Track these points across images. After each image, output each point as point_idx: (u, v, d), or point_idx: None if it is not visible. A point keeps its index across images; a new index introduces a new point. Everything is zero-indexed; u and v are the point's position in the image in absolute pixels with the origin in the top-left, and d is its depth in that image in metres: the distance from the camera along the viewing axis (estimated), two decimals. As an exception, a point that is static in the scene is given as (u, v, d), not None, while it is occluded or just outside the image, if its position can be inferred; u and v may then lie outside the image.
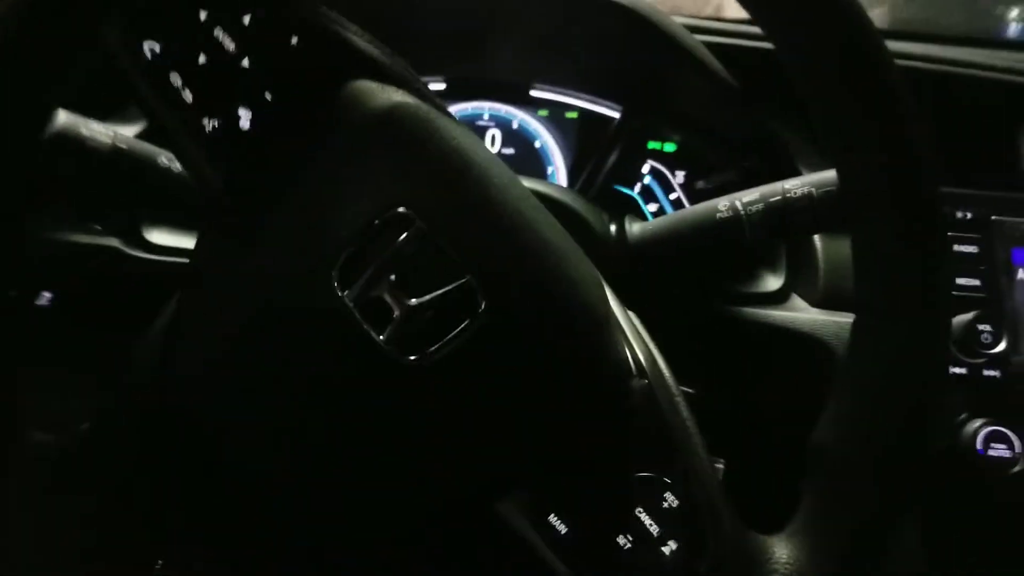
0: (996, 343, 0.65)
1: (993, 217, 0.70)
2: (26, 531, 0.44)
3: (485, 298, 0.41)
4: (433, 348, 0.41)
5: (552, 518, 0.43)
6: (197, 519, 0.50)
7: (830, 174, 0.54)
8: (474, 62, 0.87)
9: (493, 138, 0.91)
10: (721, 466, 0.58)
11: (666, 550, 0.43)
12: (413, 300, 0.41)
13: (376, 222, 0.41)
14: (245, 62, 0.44)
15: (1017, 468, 0.63)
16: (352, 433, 0.42)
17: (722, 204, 0.58)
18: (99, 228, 0.66)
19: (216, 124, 0.44)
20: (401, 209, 0.42)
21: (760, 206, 0.56)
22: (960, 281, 0.65)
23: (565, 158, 0.91)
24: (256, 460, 0.43)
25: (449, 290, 0.41)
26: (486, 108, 0.91)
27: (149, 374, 0.47)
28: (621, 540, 0.43)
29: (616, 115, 0.88)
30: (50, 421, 0.47)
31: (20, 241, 0.58)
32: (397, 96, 0.45)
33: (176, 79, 0.43)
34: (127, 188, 0.57)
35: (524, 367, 0.42)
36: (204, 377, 0.43)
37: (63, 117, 0.53)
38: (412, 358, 0.40)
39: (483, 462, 0.43)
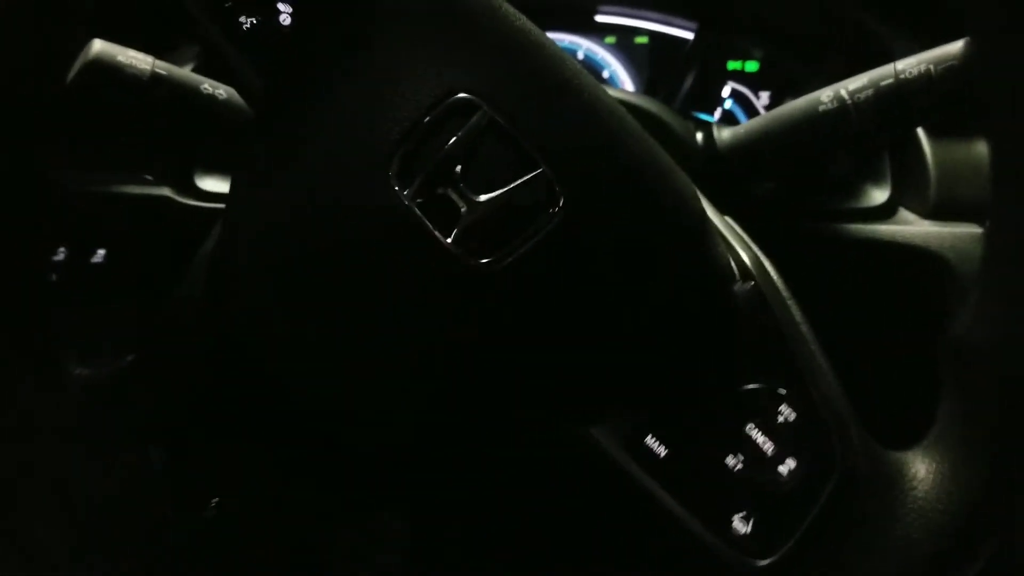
0: None
1: None
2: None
3: (563, 191, 0.36)
4: (507, 249, 0.35)
5: (650, 440, 0.38)
6: (255, 448, 0.46)
7: (951, 48, 0.47)
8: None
9: (558, 71, 0.85)
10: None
11: (783, 469, 0.37)
12: (482, 196, 0.36)
13: (436, 111, 0.36)
14: None
15: None
16: (422, 348, 0.37)
17: (825, 95, 0.51)
18: (150, 178, 0.63)
19: (254, 21, 0.39)
20: (463, 95, 0.36)
21: (870, 92, 0.48)
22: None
23: (637, 88, 0.84)
24: (317, 383, 0.39)
25: (522, 183, 0.36)
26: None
27: (198, 292, 0.43)
28: (730, 461, 0.37)
29: (690, 36, 0.81)
30: (93, 355, 0.44)
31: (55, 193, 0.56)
32: (452, -25, 0.40)
33: None
34: (169, 117, 0.53)
35: (611, 269, 0.37)
36: (255, 293, 0.39)
37: (99, 45, 0.49)
38: (484, 261, 0.35)
39: (570, 379, 0.37)
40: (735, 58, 0.80)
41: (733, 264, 0.41)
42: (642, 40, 0.84)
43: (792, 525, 0.37)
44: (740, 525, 0.37)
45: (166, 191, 0.63)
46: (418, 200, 0.36)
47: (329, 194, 0.37)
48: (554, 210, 0.36)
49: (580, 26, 0.84)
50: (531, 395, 0.38)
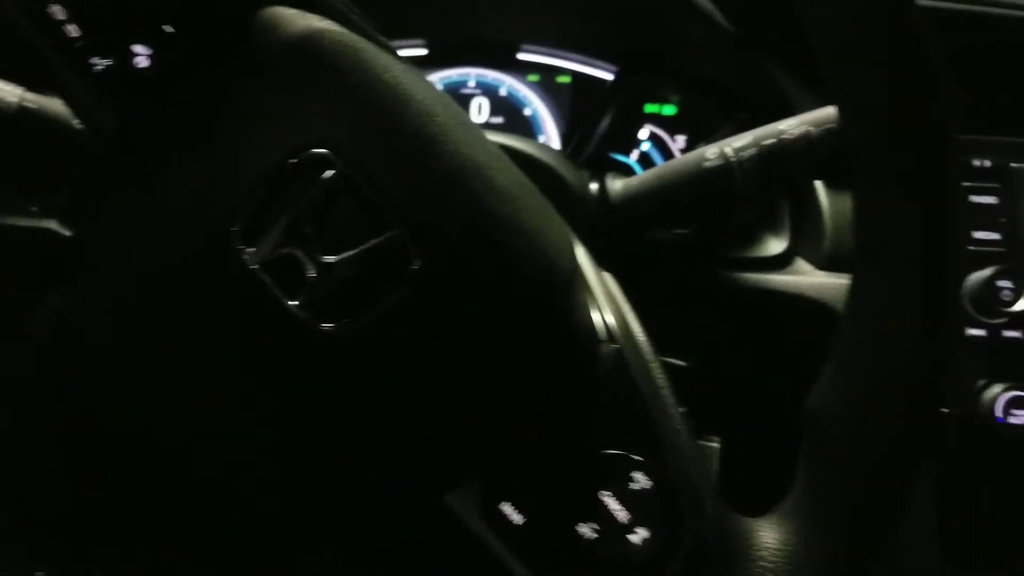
0: (1016, 300, 0.57)
1: (1013, 165, 0.61)
2: None
3: (418, 254, 0.34)
4: (355, 314, 0.34)
5: (505, 507, 0.36)
6: (103, 526, 0.44)
7: (829, 111, 0.47)
8: (457, 22, 0.81)
9: (480, 107, 0.84)
10: (716, 445, 0.52)
11: (635, 539, 0.36)
12: (330, 258, 0.34)
13: (289, 164, 0.35)
14: None
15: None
16: (265, 417, 0.35)
17: (710, 152, 0.51)
18: (35, 209, 0.61)
19: (107, 63, 0.37)
20: (318, 149, 0.35)
21: (753, 151, 0.48)
22: (977, 235, 0.57)
23: (558, 126, 0.84)
24: (162, 455, 0.37)
25: (374, 245, 0.34)
26: (471, 74, 0.84)
27: (38, 358, 0.41)
28: (584, 529, 0.36)
29: (611, 77, 0.81)
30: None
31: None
32: (318, 23, 0.39)
33: (58, 12, 0.37)
34: (42, 150, 0.51)
35: (466, 333, 0.35)
36: (96, 360, 0.37)
37: (-40, 75, 0.47)
38: (329, 326, 0.34)
39: (422, 447, 0.36)
40: (653, 101, 0.80)
41: (600, 324, 0.40)
42: (564, 80, 0.84)
43: None
44: None
45: (52, 224, 0.61)
46: (266, 260, 0.34)
47: (175, 255, 0.35)
48: (406, 274, 0.34)
49: (503, 63, 0.84)
50: (382, 463, 0.36)
